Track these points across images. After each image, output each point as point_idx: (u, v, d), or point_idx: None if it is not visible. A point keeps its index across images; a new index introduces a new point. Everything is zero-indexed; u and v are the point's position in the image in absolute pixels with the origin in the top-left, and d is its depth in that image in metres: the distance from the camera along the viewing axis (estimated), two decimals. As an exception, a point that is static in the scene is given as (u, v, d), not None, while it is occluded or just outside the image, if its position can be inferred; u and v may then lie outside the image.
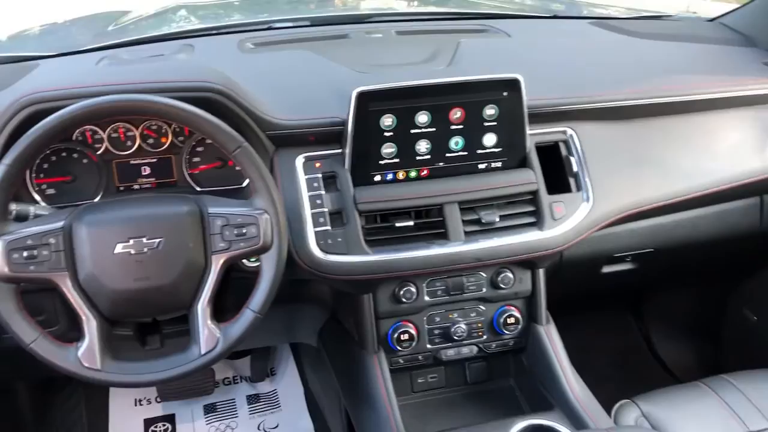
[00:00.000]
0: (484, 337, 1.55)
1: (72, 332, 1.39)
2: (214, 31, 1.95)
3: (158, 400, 2.21)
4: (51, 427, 2.09)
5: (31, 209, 1.25)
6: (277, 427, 2.15)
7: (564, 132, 1.53)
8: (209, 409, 2.19)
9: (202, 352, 1.19)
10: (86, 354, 1.15)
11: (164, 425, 2.15)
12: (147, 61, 1.67)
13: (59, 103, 1.21)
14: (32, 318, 1.15)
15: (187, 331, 1.49)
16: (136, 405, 2.20)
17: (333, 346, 1.72)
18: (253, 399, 2.23)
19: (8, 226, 1.13)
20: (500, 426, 1.33)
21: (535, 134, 1.49)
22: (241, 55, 1.70)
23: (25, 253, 1.11)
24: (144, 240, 1.15)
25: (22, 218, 1.23)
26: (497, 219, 1.42)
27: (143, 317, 1.34)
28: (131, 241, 1.14)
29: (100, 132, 1.40)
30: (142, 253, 1.15)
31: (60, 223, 1.14)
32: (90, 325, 1.15)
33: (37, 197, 1.38)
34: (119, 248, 1.14)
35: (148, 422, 2.15)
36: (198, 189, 1.45)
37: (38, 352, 1.13)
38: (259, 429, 2.14)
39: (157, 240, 1.15)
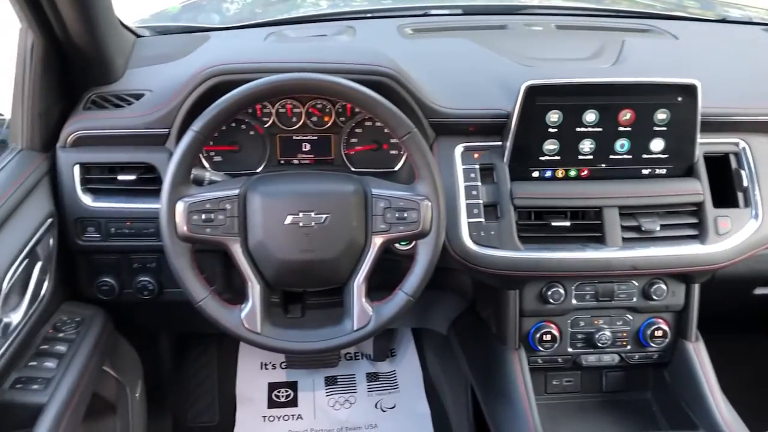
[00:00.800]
0: (628, 347, 1.51)
1: (226, 294, 1.48)
2: (369, 14, 1.97)
3: (283, 366, 2.29)
4: (185, 377, 2.22)
5: (207, 175, 1.33)
6: (394, 407, 2.18)
7: (736, 144, 1.46)
8: (330, 381, 2.26)
9: (355, 327, 1.22)
10: (249, 317, 1.20)
11: (287, 391, 2.23)
12: (313, 40, 1.72)
13: (244, 76, 1.27)
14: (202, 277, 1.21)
15: (329, 304, 1.55)
16: (261, 368, 2.29)
17: (468, 337, 1.73)
18: (372, 377, 2.28)
19: (189, 189, 1.19)
20: None
21: (704, 143, 1.42)
22: (402, 40, 1.71)
23: (203, 216, 1.17)
24: (312, 214, 1.19)
25: (198, 182, 1.30)
26: (658, 228, 1.38)
27: (300, 287, 1.39)
28: (301, 214, 1.18)
29: (270, 106, 1.45)
30: (309, 227, 1.19)
31: (236, 191, 1.19)
32: (254, 289, 1.20)
33: (205, 163, 1.46)
34: (289, 220, 1.18)
35: (272, 386, 2.24)
36: (352, 169, 1.49)
37: (206, 310, 1.19)
38: (376, 407, 2.18)
39: (325, 215, 1.19)
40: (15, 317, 1.19)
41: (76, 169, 1.38)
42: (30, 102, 1.32)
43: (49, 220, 1.32)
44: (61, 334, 1.33)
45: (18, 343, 1.19)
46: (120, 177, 1.39)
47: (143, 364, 1.78)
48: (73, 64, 1.40)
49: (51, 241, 1.34)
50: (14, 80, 1.33)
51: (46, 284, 1.31)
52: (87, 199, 1.38)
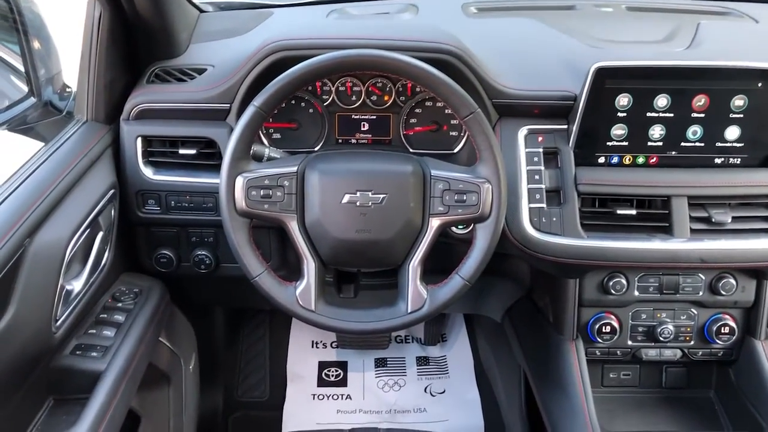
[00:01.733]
0: (691, 342, 1.46)
1: (281, 270, 1.48)
2: (433, -8, 1.94)
3: (334, 345, 2.30)
4: (238, 351, 2.25)
5: (266, 151, 1.32)
6: (443, 392, 2.17)
7: None
8: (380, 363, 2.25)
9: (409, 310, 1.20)
10: (303, 294, 1.19)
11: (336, 371, 2.23)
12: (376, 17, 1.69)
13: (306, 52, 1.26)
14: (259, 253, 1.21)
15: (382, 285, 1.53)
16: (312, 347, 2.30)
17: (523, 325, 1.69)
18: (422, 361, 2.27)
19: (249, 164, 1.19)
20: None
21: None
22: (466, 19, 1.68)
23: (261, 192, 1.17)
24: (370, 194, 1.17)
25: (257, 158, 1.30)
26: (729, 220, 1.31)
27: (354, 267, 1.37)
28: (358, 194, 1.17)
29: (330, 84, 1.44)
30: (366, 207, 1.17)
31: (294, 168, 1.19)
32: (309, 267, 1.20)
33: (264, 140, 1.46)
34: (346, 199, 1.17)
35: (322, 365, 2.25)
36: (411, 150, 1.46)
37: (261, 286, 1.19)
38: (425, 391, 2.17)
39: (382, 195, 1.17)
40: (76, 285, 1.21)
41: (139, 141, 1.39)
42: (95, 74, 1.35)
43: (111, 191, 1.34)
44: (119, 304, 1.35)
45: (79, 310, 1.22)
46: (181, 151, 1.40)
47: (197, 338, 1.81)
48: (138, 37, 1.41)
49: (112, 212, 1.36)
50: (81, 53, 1.35)
51: (106, 254, 1.33)
52: (148, 172, 1.40)
